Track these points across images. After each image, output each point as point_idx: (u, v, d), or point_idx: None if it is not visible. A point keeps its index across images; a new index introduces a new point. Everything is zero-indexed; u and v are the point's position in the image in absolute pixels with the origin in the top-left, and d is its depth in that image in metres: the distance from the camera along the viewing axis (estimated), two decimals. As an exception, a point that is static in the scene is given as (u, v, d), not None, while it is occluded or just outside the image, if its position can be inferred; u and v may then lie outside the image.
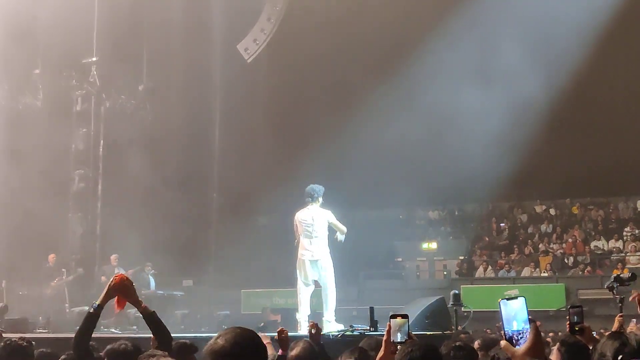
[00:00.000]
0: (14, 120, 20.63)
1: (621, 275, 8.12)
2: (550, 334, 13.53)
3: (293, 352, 5.36)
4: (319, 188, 11.73)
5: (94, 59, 20.47)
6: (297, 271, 11.71)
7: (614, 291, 7.97)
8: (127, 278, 5.07)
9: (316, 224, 11.55)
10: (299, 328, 11.28)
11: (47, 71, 20.76)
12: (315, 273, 11.60)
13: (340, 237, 11.64)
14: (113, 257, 18.34)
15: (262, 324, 14.88)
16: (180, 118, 21.84)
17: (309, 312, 11.60)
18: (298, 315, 11.66)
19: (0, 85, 20.67)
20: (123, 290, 4.97)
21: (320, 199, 11.68)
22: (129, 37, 20.93)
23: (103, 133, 21.00)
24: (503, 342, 2.93)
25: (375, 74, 22.89)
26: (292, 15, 22.81)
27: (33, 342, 6.34)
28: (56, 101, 20.81)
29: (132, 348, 5.21)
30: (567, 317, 4.67)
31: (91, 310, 5.00)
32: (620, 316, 6.38)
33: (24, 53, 20.02)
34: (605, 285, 8.31)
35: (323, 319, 11.34)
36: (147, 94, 21.60)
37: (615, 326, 6.08)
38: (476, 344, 5.91)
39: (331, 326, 11.14)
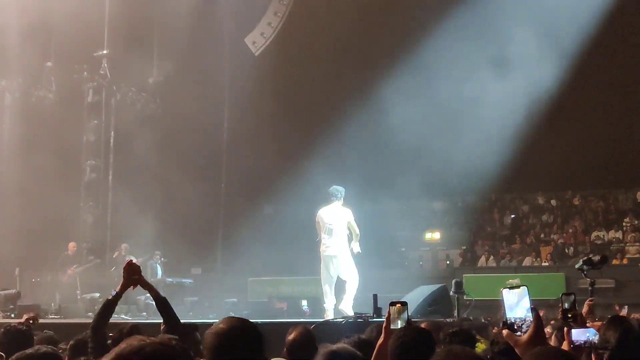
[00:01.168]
0: (27, 112, 20.93)
1: (592, 258, 7.78)
2: (552, 322, 13.78)
3: (290, 337, 5.48)
4: (341, 188, 12.45)
5: (105, 51, 20.65)
6: (321, 265, 12.38)
7: (584, 274, 7.77)
8: (132, 262, 5.39)
9: (337, 222, 12.23)
10: (325, 316, 11.94)
11: (59, 64, 20.97)
12: (337, 267, 12.24)
13: (356, 248, 12.25)
14: (123, 246, 18.62)
15: (245, 312, 15.41)
16: (189, 110, 21.95)
17: (334, 302, 12.18)
18: (325, 305, 12.30)
19: (14, 79, 20.97)
20: (132, 272, 5.29)
21: (342, 199, 12.37)
22: (139, 30, 21.11)
23: (114, 125, 21.31)
24: (505, 331, 2.98)
25: (380, 66, 22.95)
26: (299, 9, 22.99)
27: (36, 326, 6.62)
28: (68, 93, 21.00)
29: (136, 325, 5.55)
30: (560, 304, 4.61)
31: (109, 297, 5.30)
32: (591, 300, 6.23)
33: (36, 46, 20.24)
34: (576, 267, 7.96)
35: (339, 307, 11.89)
36: (157, 86, 21.88)
37: (584, 310, 5.88)
38: (423, 325, 6.09)
39: (342, 313, 11.65)
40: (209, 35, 22.21)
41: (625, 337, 3.61)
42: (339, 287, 12.49)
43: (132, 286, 5.33)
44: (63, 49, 20.58)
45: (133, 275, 5.30)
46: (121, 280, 5.35)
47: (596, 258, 7.51)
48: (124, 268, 5.30)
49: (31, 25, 19.40)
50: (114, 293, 5.29)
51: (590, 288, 7.20)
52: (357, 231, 12.33)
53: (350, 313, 11.49)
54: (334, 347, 4.29)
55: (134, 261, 5.72)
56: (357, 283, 12.24)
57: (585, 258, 7.59)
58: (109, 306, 5.28)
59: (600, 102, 23.55)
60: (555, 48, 21.54)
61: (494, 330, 7.93)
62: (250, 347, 3.32)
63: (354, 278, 12.23)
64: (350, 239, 12.38)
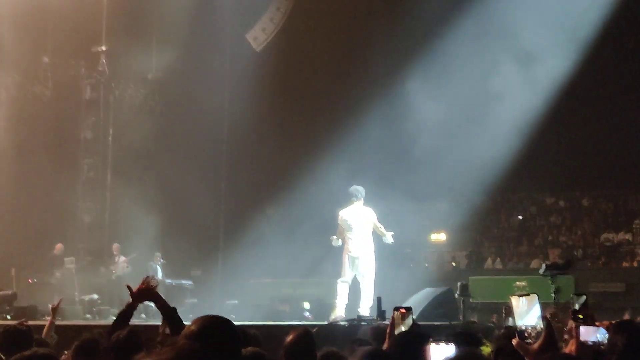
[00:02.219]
0: (23, 109, 20.73)
1: (557, 262, 7.56)
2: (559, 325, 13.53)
3: (288, 338, 5.38)
4: (361, 188, 12.60)
5: (103, 47, 20.62)
6: (342, 265, 12.45)
7: (550, 279, 7.50)
8: (148, 284, 5.22)
9: (358, 222, 12.34)
10: (333, 313, 12.12)
11: (56, 60, 20.92)
12: (356, 269, 12.31)
13: (389, 240, 12.40)
14: (115, 246, 18.59)
15: (232, 315, 15.21)
16: (189, 107, 21.89)
17: (346, 301, 12.26)
18: (336, 301, 12.35)
19: (10, 75, 20.76)
20: (145, 294, 5.20)
21: (362, 199, 12.47)
22: (138, 26, 20.98)
23: (112, 122, 21.12)
24: (515, 340, 2.95)
25: (383, 64, 22.89)
26: (302, 4, 22.84)
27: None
28: (65, 90, 21.00)
29: (133, 329, 5.36)
30: (570, 305, 4.56)
31: (123, 309, 5.33)
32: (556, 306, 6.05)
33: (33, 42, 20.11)
34: (540, 272, 7.75)
35: (358, 309, 11.98)
36: (156, 83, 21.73)
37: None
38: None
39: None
40: (210, 31, 22.05)
41: (632, 341, 3.48)
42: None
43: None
44: (60, 44, 20.54)
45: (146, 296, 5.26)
46: (121, 282, 5.23)
47: (561, 262, 7.31)
48: (141, 290, 5.23)
49: (27, 19, 19.21)
50: (128, 303, 5.34)
51: (554, 295, 6.90)
52: (383, 230, 12.39)
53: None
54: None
55: (126, 259, 5.48)
56: (372, 288, 12.24)
57: (549, 263, 7.41)
58: (124, 316, 5.31)
59: (609, 102, 23.33)
60: (565, 47, 21.28)
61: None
62: (225, 349, 3.06)
63: (370, 282, 12.25)
64: (376, 239, 12.46)
